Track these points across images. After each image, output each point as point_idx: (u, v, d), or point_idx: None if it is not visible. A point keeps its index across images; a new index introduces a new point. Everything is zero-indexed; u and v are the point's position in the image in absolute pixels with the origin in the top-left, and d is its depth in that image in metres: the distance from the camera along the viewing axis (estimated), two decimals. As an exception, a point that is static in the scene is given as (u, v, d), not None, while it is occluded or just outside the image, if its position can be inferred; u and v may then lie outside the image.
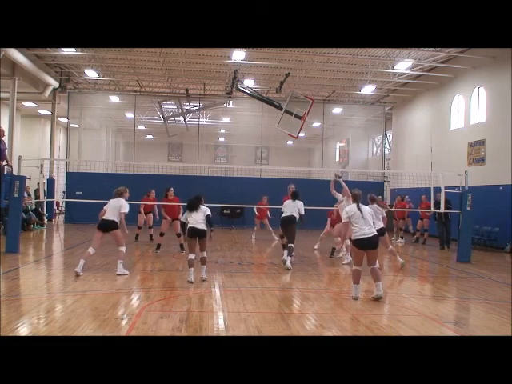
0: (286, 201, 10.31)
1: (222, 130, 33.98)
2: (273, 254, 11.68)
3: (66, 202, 21.12)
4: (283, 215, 10.01)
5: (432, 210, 13.15)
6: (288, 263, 9.53)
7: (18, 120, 22.62)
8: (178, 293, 7.17)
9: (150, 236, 13.84)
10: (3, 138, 11.30)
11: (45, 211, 18.96)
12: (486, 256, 13.41)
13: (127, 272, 8.38)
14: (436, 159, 16.68)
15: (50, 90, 20.96)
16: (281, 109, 16.96)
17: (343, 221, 6.95)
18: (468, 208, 11.69)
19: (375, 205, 8.94)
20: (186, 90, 22.38)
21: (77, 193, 19.72)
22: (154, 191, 13.47)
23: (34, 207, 17.61)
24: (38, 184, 16.19)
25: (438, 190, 12.53)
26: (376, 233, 6.89)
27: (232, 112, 27.80)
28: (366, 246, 6.72)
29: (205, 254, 8.16)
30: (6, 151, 11.68)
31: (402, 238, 16.62)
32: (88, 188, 18.60)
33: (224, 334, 5.03)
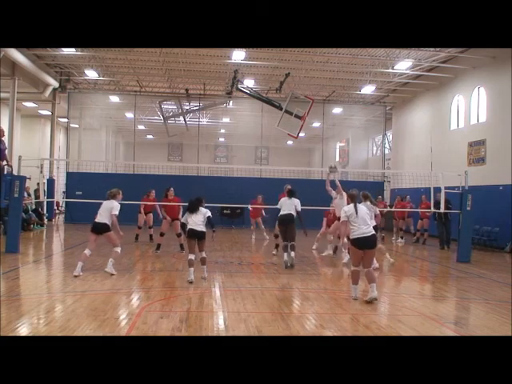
0: (281, 198, 10.31)
1: (222, 130, 33.98)
2: (273, 253, 11.67)
3: (65, 201, 21.13)
4: (282, 213, 9.98)
5: (432, 210, 13.16)
6: (285, 258, 9.57)
7: (18, 120, 22.62)
8: (178, 293, 7.17)
9: (150, 236, 13.83)
10: (3, 138, 11.30)
11: (45, 211, 18.96)
12: (486, 256, 13.41)
13: (115, 272, 8.25)
14: (436, 159, 16.68)
15: (49, 90, 20.96)
16: (281, 109, 16.96)
17: (341, 220, 6.96)
18: (468, 208, 11.69)
19: (368, 202, 8.93)
20: (186, 90, 22.38)
21: (77, 193, 19.71)
22: (154, 191, 13.46)
23: (33, 207, 17.61)
24: (38, 184, 16.20)
25: (438, 189, 12.52)
26: (374, 232, 6.90)
27: (232, 112, 27.79)
28: (364, 245, 6.72)
29: (204, 255, 8.22)
30: (6, 151, 11.68)
31: (402, 237, 16.62)
32: (88, 188, 18.57)
33: (224, 334, 5.03)
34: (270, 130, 22.43)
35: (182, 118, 24.07)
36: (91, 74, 20.40)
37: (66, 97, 22.61)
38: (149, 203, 13.42)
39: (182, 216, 8.83)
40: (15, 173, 11.87)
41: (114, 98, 23.95)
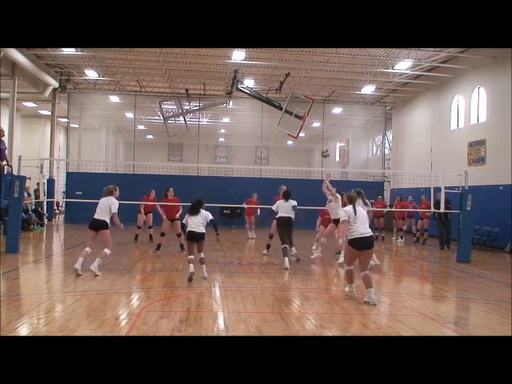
0: (278, 200, 10.32)
1: (222, 130, 33.98)
2: (273, 254, 11.67)
3: (66, 201, 21.12)
4: (281, 215, 10.01)
5: (432, 209, 13.16)
6: (286, 264, 9.55)
7: (18, 120, 22.62)
8: (178, 293, 7.17)
9: (150, 236, 13.83)
10: (3, 138, 11.30)
11: (45, 211, 18.96)
12: (486, 256, 13.41)
13: (99, 273, 8.10)
14: (436, 159, 16.68)
15: (49, 90, 20.96)
16: (281, 109, 16.95)
17: (342, 219, 6.96)
18: (468, 208, 11.69)
19: (360, 200, 8.92)
20: (186, 90, 22.38)
21: (77, 193, 19.71)
22: (153, 191, 13.46)
23: (33, 207, 17.61)
24: (38, 184, 16.22)
25: (438, 189, 12.52)
26: (372, 233, 6.91)
27: (232, 112, 27.80)
28: (362, 245, 6.73)
29: (202, 255, 8.26)
30: (6, 151, 11.68)
31: (401, 237, 16.61)
32: (88, 188, 18.51)
33: (224, 334, 5.03)
34: (270, 130, 22.43)
35: (182, 118, 24.08)
36: (91, 74, 20.40)
37: (66, 97, 22.61)
38: (149, 203, 13.42)
39: (182, 216, 8.86)
40: (15, 173, 11.87)
41: (114, 98, 23.96)
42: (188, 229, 8.08)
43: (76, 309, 5.89)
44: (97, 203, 8.63)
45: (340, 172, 26.45)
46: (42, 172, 12.35)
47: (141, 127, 30.15)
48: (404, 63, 17.78)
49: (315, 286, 8.16)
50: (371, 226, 7.44)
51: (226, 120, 30.05)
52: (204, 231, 8.11)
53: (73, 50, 17.53)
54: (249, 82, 20.16)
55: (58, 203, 23.37)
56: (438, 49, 16.31)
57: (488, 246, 14.93)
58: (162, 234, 11.58)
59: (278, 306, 6.45)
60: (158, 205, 13.06)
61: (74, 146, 24.33)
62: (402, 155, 22.94)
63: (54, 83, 20.81)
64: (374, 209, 17.01)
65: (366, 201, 9.56)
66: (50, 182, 20.67)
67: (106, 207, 8.36)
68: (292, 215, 9.94)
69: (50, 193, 20.45)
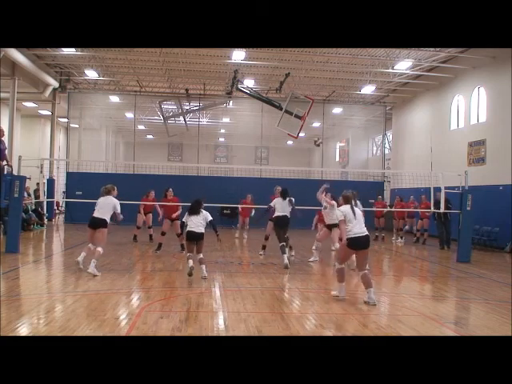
0: (275, 199, 10.33)
1: (222, 130, 33.98)
2: (273, 254, 11.67)
3: (65, 201, 21.12)
4: (279, 214, 10.02)
5: (432, 209, 13.16)
6: (286, 261, 9.58)
7: (18, 120, 22.61)
8: (178, 293, 7.17)
9: (150, 236, 13.83)
10: (3, 138, 11.30)
11: (45, 211, 18.95)
12: (486, 256, 13.41)
13: (99, 273, 8.07)
14: (436, 159, 16.68)
15: (49, 90, 20.96)
16: (281, 109, 16.95)
17: (339, 219, 6.95)
18: (468, 208, 11.69)
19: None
20: (186, 90, 22.38)
21: (77, 193, 19.70)
22: (153, 191, 13.47)
23: (33, 207, 17.60)
24: (38, 184, 16.21)
25: (438, 189, 12.52)
26: (368, 233, 6.89)
27: (232, 112, 27.80)
28: (358, 245, 6.73)
29: (201, 255, 8.27)
30: (6, 151, 11.68)
31: (401, 238, 16.61)
32: (88, 188, 18.47)
33: (224, 334, 5.03)
34: (270, 130, 22.43)
35: (181, 118, 24.08)
36: (91, 74, 20.40)
37: (66, 97, 22.61)
38: (148, 203, 13.43)
39: (182, 216, 8.87)
40: (15, 173, 11.87)
41: (114, 98, 23.96)
42: (187, 229, 8.08)
43: (76, 309, 5.89)
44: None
45: (340, 172, 26.45)
46: (41, 172, 12.35)
47: (141, 127, 30.16)
48: (404, 63, 17.78)
49: (315, 286, 8.16)
50: (371, 226, 7.44)
51: (225, 120, 30.05)
52: (203, 231, 8.13)
53: (73, 50, 17.54)
54: (249, 82, 20.16)
55: (57, 203, 23.36)
56: (437, 49, 16.31)
57: (488, 246, 14.93)
58: (163, 234, 11.58)
59: (278, 306, 6.45)
60: (157, 205, 13.07)
61: (74, 146, 24.33)
62: (401, 155, 22.94)
63: (54, 83, 20.80)
64: (374, 209, 17.06)
65: (358, 202, 9.58)
66: (50, 182, 20.67)
67: (107, 206, 8.38)
68: (288, 214, 9.94)
69: (50, 193, 20.45)
